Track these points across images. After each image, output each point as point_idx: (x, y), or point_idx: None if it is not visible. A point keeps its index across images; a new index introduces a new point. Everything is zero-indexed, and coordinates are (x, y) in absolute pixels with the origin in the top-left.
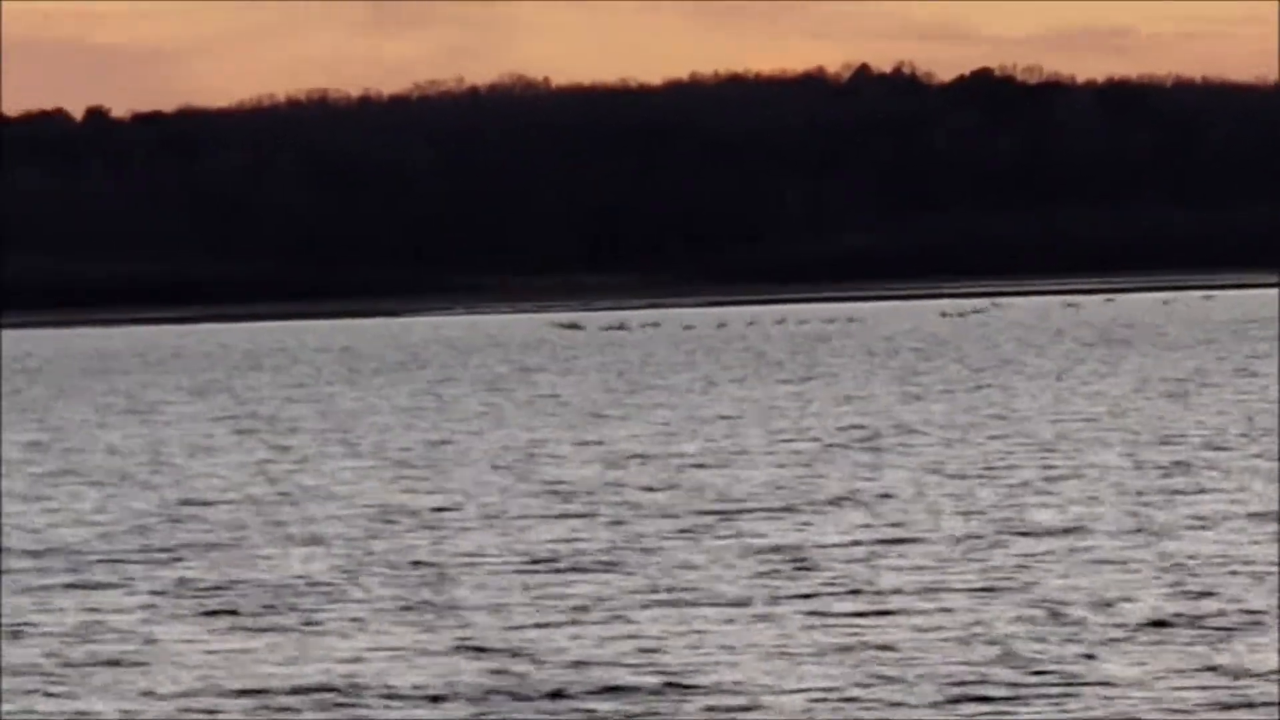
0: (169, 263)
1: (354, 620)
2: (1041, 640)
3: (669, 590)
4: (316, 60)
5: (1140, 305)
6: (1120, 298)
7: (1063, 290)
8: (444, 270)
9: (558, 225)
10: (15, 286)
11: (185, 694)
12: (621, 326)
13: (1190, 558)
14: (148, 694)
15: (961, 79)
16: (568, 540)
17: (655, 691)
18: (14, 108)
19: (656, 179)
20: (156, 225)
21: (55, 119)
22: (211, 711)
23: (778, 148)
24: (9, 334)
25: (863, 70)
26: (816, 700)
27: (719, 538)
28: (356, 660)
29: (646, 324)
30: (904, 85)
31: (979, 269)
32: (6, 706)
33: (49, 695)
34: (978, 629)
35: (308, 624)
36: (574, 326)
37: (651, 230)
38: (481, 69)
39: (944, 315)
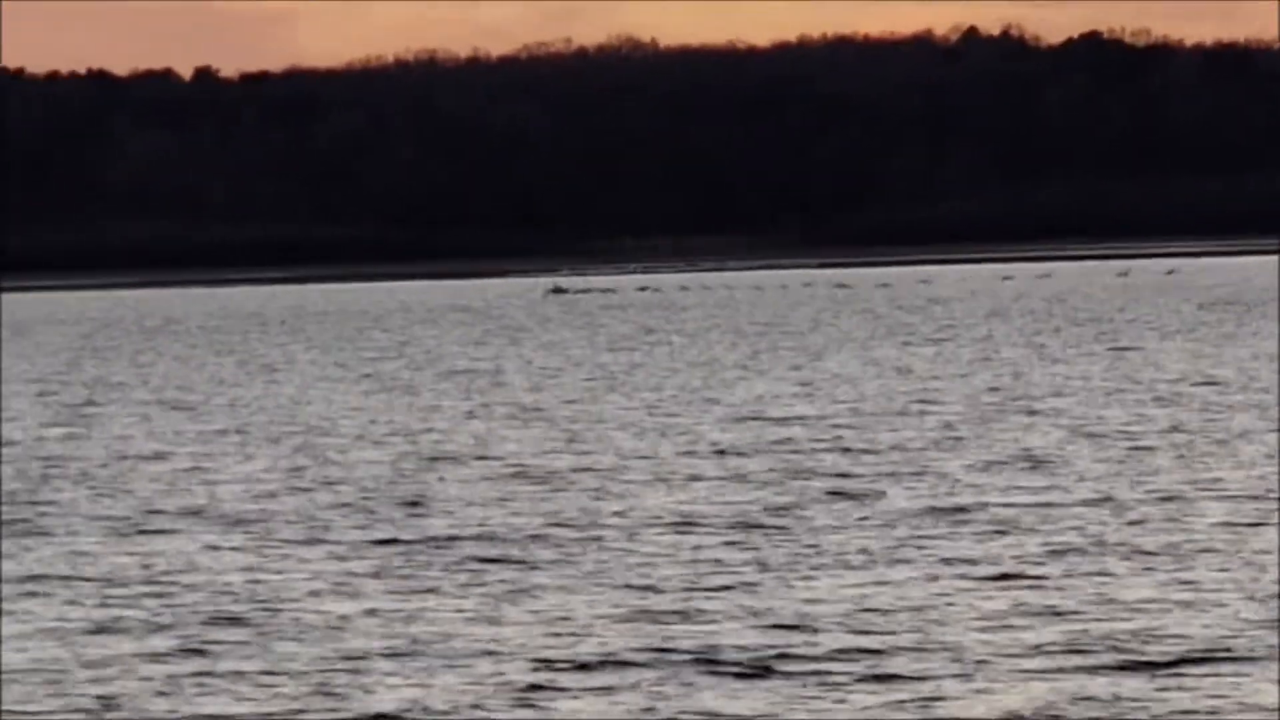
0: (277, 224)
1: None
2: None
3: (843, 552)
4: (424, 20)
5: (1254, 269)
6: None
7: (1168, 254)
8: (553, 231)
9: (665, 187)
10: (125, 247)
11: (380, 653)
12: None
13: None
14: (344, 656)
15: (1070, 41)
16: (732, 500)
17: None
18: (123, 67)
19: (765, 141)
20: (265, 186)
21: (164, 79)
22: (424, 672)
23: (886, 110)
24: (122, 294)
25: (971, 32)
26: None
27: (870, 500)
28: (545, 622)
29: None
30: (1012, 48)
31: (1088, 233)
32: (222, 663)
33: (252, 655)
34: (1133, 595)
35: (492, 584)
36: (559, 291)
37: (760, 192)
38: (589, 30)
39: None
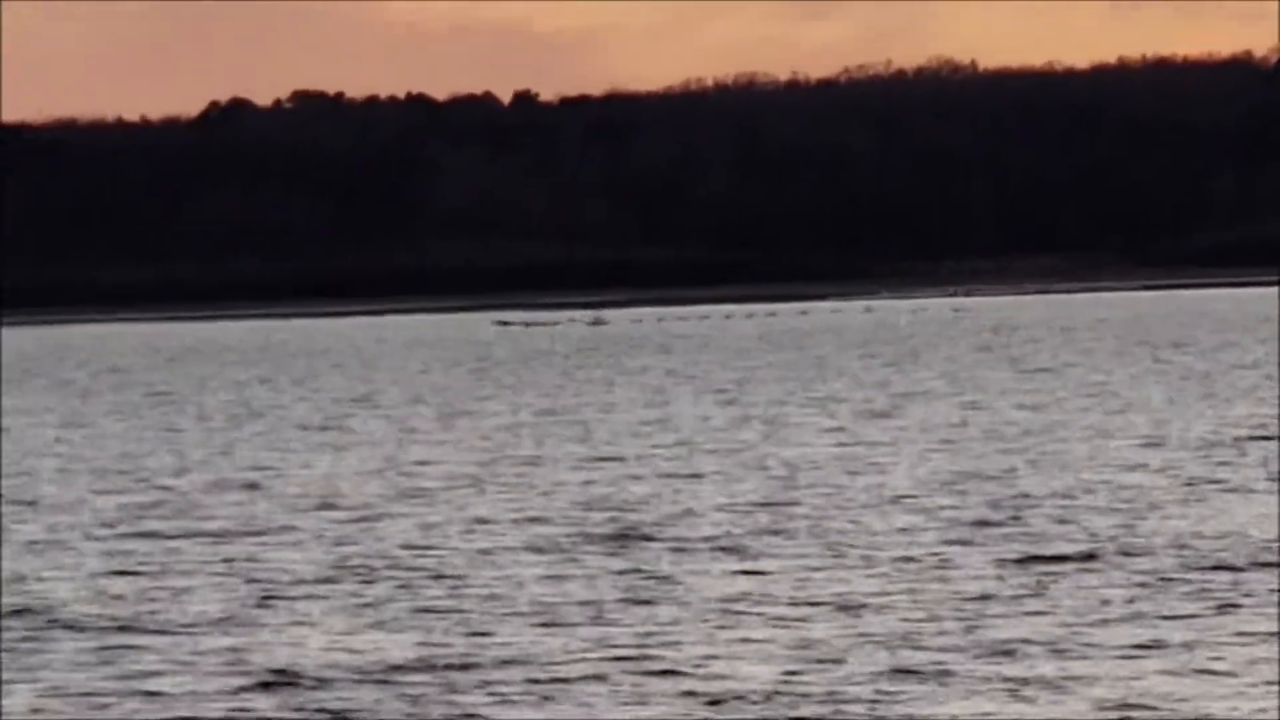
0: (596, 247)
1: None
2: None
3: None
4: (742, 44)
5: None
6: None
7: None
8: (873, 254)
9: (985, 209)
10: (442, 271)
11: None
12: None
13: None
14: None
15: None
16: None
17: None
18: (443, 92)
19: (1085, 162)
20: (583, 209)
21: (483, 103)
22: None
23: (1206, 132)
24: (440, 318)
25: None
26: None
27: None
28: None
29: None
30: None
31: None
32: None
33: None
34: None
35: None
36: (599, 323)
37: (1079, 215)
38: (907, 52)
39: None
